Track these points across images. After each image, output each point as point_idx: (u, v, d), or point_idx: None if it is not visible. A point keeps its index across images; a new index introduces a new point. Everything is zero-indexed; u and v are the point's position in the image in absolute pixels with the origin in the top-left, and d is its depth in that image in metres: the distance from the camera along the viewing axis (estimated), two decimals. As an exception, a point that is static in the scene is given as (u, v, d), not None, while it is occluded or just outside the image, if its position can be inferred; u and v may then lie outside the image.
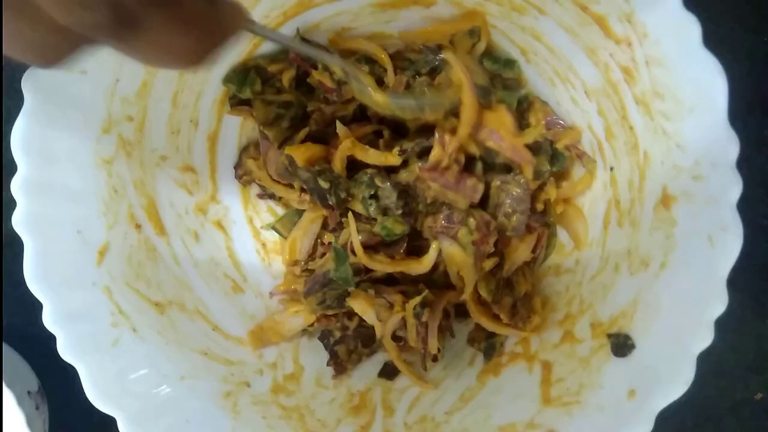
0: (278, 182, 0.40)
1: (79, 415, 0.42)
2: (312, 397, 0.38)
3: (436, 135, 0.33)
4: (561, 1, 0.30)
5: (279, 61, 0.38)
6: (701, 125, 0.27)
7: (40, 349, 0.40)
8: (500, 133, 0.34)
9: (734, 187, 0.27)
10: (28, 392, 0.40)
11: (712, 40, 0.27)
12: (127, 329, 0.34)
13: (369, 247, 0.36)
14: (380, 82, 0.39)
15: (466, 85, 0.30)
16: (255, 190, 0.42)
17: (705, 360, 0.29)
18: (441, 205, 0.36)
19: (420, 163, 0.35)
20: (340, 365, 0.39)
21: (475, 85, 0.31)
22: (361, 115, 0.39)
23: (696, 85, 0.27)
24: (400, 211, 0.35)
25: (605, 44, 0.30)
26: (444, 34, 0.36)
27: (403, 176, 0.35)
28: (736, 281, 0.28)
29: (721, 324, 0.28)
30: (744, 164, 0.27)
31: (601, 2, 0.28)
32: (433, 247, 0.35)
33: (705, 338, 0.29)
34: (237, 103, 0.39)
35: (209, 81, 0.37)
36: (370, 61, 0.39)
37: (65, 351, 0.32)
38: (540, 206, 0.36)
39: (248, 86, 0.38)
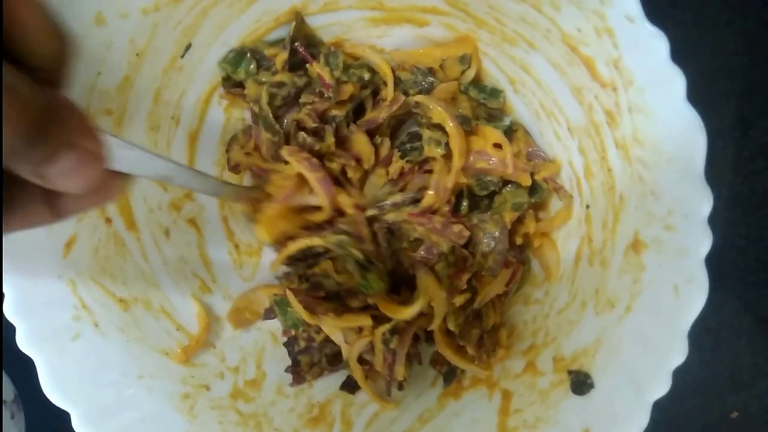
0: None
1: (55, 423, 0.42)
2: (271, 405, 0.38)
3: (433, 181, 0.34)
4: (551, 38, 0.30)
5: (276, 46, 0.38)
6: (677, 177, 0.28)
7: (16, 359, 0.40)
8: (488, 151, 0.34)
9: (704, 241, 0.27)
10: (4, 401, 0.40)
11: (696, 95, 0.27)
12: (89, 324, 0.34)
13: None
14: (376, 94, 0.38)
15: (448, 118, 0.30)
16: (246, 181, 0.41)
17: (683, 378, 0.29)
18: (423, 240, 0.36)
19: (410, 208, 0.35)
20: (299, 375, 0.39)
21: (455, 116, 0.31)
22: (355, 117, 0.39)
23: (676, 138, 0.27)
24: (381, 266, 0.35)
25: (591, 86, 0.30)
26: (435, 58, 0.36)
27: (391, 217, 0.35)
28: (713, 301, 0.28)
29: (699, 343, 0.28)
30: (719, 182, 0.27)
31: (590, 45, 0.28)
32: (418, 301, 0.35)
33: (662, 387, 0.29)
34: (231, 86, 0.38)
35: (194, 79, 0.37)
36: (371, 70, 0.38)
37: (24, 342, 0.32)
38: (519, 240, 0.36)
39: (243, 68, 0.37)
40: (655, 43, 0.26)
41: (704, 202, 0.27)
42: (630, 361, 0.30)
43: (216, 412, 0.36)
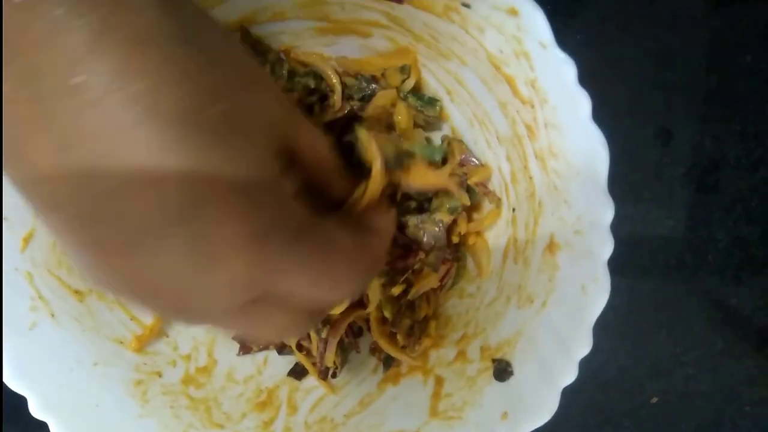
0: None
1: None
2: (221, 391, 0.41)
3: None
4: (478, 57, 0.33)
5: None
6: (585, 188, 0.31)
7: None
8: (418, 184, 0.36)
9: (606, 247, 0.30)
10: None
11: (620, 109, 0.30)
12: (45, 314, 0.36)
13: None
14: (323, 99, 0.41)
15: (378, 159, 0.32)
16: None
17: (608, 366, 0.32)
18: None
19: None
20: (245, 346, 0.42)
21: (387, 156, 0.33)
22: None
23: (583, 152, 0.30)
24: None
25: (513, 102, 0.32)
26: (377, 67, 0.39)
27: None
28: (635, 296, 0.31)
29: (622, 334, 0.32)
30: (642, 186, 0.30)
31: (511, 65, 0.31)
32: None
33: (570, 374, 0.32)
34: None
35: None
36: (317, 77, 0.40)
37: (-18, 331, 0.34)
38: (455, 238, 0.39)
39: None
40: (564, 68, 0.29)
41: (607, 211, 0.30)
42: (544, 351, 0.33)
43: (167, 397, 0.39)
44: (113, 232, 0.17)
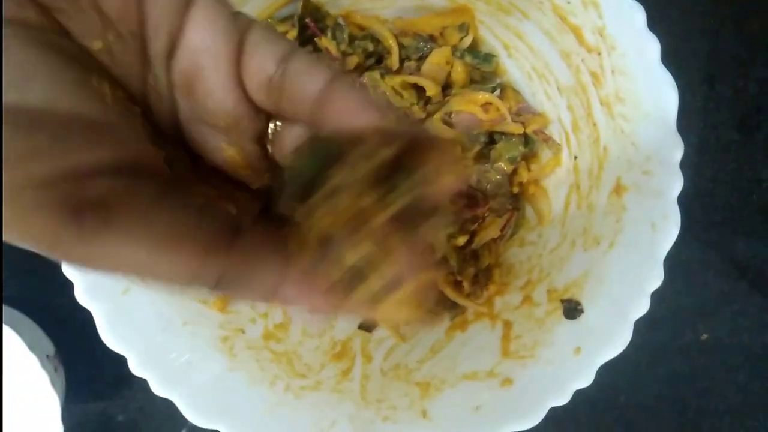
0: None
1: (89, 376, 0.46)
2: (299, 344, 0.43)
3: None
4: (543, 9, 0.34)
5: (287, 23, 0.41)
6: (653, 129, 0.32)
7: (52, 318, 0.44)
8: (477, 114, 0.38)
9: (676, 184, 0.32)
10: (47, 356, 0.44)
11: (668, 55, 0.31)
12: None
13: None
14: (380, 61, 0.42)
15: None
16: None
17: (658, 307, 0.34)
18: None
19: None
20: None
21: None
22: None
23: (652, 95, 0.32)
24: None
25: (578, 51, 0.34)
26: (434, 26, 0.40)
27: None
28: (684, 238, 0.33)
29: (671, 275, 0.33)
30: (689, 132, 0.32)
31: (578, 15, 0.32)
32: None
33: (642, 307, 0.34)
34: None
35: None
36: (375, 40, 0.41)
37: (83, 296, 0.36)
38: (515, 188, 0.41)
39: None
40: (634, 14, 0.30)
41: (676, 150, 0.32)
42: (614, 287, 0.35)
43: (252, 351, 0.41)
44: None
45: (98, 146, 0.16)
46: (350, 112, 0.18)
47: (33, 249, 0.16)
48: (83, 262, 0.16)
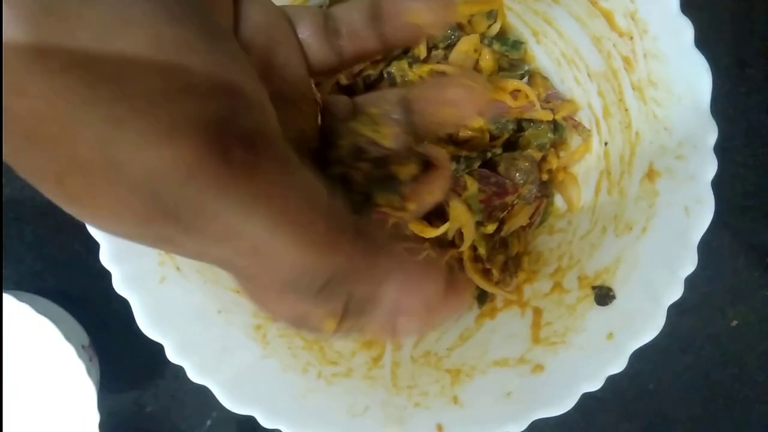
0: None
1: (122, 367, 0.47)
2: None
3: None
4: (574, -6, 0.34)
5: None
6: (687, 113, 0.32)
7: (86, 310, 0.45)
8: (507, 101, 0.38)
9: (710, 168, 0.32)
10: (82, 346, 0.45)
11: (699, 40, 0.31)
12: (171, 268, 0.39)
13: None
14: (407, 50, 0.42)
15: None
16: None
17: (689, 293, 0.34)
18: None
19: None
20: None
21: None
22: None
23: (685, 79, 0.31)
24: None
25: (610, 35, 0.34)
26: (462, 14, 0.40)
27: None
28: (715, 223, 0.33)
29: (702, 262, 0.33)
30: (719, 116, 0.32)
31: (610, -1, 0.32)
32: (446, 225, 0.39)
33: (676, 293, 0.34)
34: None
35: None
36: None
37: (120, 285, 0.37)
38: (545, 176, 0.41)
39: None
40: (668, -3, 0.30)
41: (710, 133, 0.31)
42: (647, 273, 0.35)
43: (284, 339, 0.42)
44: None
45: (255, 79, 0.14)
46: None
47: (157, 178, 0.12)
48: (210, 212, 0.13)
